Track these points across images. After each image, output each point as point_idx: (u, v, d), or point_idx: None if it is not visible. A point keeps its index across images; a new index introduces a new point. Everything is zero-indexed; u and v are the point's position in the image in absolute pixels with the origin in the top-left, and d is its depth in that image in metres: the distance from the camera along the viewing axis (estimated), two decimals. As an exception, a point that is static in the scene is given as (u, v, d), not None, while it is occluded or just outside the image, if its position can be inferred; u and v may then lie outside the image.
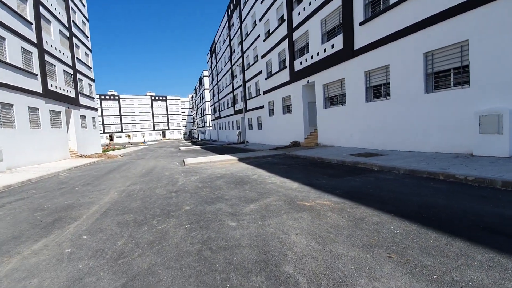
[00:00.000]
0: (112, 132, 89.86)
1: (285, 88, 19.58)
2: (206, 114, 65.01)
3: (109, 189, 7.72)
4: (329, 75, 14.18)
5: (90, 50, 29.07)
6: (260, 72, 24.87)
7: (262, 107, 25.04)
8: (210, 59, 55.34)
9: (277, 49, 20.47)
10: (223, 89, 42.44)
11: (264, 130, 24.70)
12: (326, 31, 14.33)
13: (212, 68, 52.62)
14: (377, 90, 11.36)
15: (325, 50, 14.36)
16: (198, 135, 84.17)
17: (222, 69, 42.70)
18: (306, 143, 17.02)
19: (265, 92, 23.63)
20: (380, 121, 11.00)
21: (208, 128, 62.48)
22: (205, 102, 64.30)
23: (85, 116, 25.55)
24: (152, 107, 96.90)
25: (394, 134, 10.38)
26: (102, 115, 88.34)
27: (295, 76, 17.84)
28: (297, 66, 17.50)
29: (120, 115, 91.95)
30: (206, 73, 65.27)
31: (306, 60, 16.37)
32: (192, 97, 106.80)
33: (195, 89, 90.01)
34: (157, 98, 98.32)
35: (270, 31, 21.49)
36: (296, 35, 17.38)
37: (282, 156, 13.56)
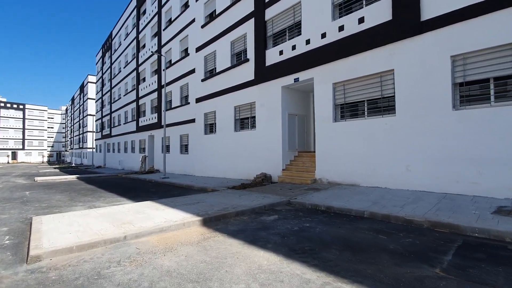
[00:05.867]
0: None
1: (243, 92, 12.86)
2: (87, 131, 48.98)
3: None
4: (350, 67, 8.60)
5: None
6: (192, 71, 17.28)
7: (191, 121, 17.15)
8: (101, 60, 42.35)
9: (229, 35, 13.83)
10: (120, 98, 31.33)
11: (194, 155, 16.65)
12: (344, -1, 8.97)
13: (104, 71, 40.00)
14: (486, 88, 6.37)
15: (341, 29, 8.84)
16: (72, 159, 63.64)
17: (120, 71, 31.81)
18: (286, 177, 10.48)
19: (199, 100, 16.09)
20: (504, 144, 5.86)
21: (90, 150, 46.69)
22: (88, 115, 48.69)
23: None
24: (-3, 116, 68.50)
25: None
26: None
27: (267, 73, 11.53)
28: (273, 58, 11.32)
29: None
30: (92, 78, 50.36)
31: (293, 47, 10.42)
32: (67, 110, 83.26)
33: (73, 99, 69.95)
34: (9, 105, 70.78)
35: (217, 12, 14.80)
36: (272, 11, 11.40)
37: (289, 208, 6.49)
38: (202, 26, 15.99)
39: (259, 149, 11.89)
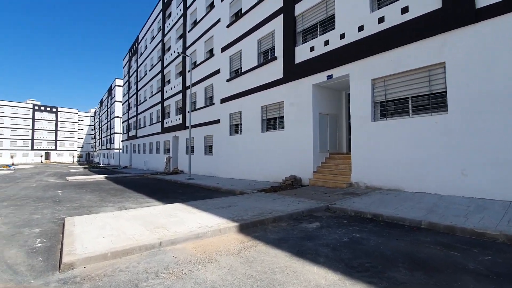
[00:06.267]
0: (-42, 149, 62.03)
1: (270, 91, 12.44)
2: (114, 133, 50.80)
3: None
4: (392, 61, 7.91)
5: None
6: (217, 72, 17.16)
7: (216, 122, 17.01)
8: (128, 64, 43.78)
9: (256, 34, 13.49)
10: (146, 100, 32.07)
11: (219, 156, 16.47)
12: (384, -12, 8.31)
13: (130, 74, 41.28)
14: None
15: (381, 20, 8.19)
16: (100, 159, 66.36)
17: (146, 74, 32.58)
18: (318, 181, 9.90)
19: (224, 100, 15.90)
20: None
21: (117, 150, 48.35)
22: (115, 117, 50.47)
23: None
24: (33, 119, 73.14)
25: None
26: None
27: (297, 71, 11.03)
28: (304, 55, 10.81)
29: (-23, 126, 65.21)
30: (119, 82, 52.24)
31: (327, 42, 9.86)
32: (95, 112, 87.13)
33: (101, 102, 73.03)
34: (43, 108, 75.35)
35: (243, 11, 14.52)
36: (302, 6, 10.90)
37: (330, 215, 5.94)
38: (228, 26, 15.79)
39: (287, 150, 11.39)
